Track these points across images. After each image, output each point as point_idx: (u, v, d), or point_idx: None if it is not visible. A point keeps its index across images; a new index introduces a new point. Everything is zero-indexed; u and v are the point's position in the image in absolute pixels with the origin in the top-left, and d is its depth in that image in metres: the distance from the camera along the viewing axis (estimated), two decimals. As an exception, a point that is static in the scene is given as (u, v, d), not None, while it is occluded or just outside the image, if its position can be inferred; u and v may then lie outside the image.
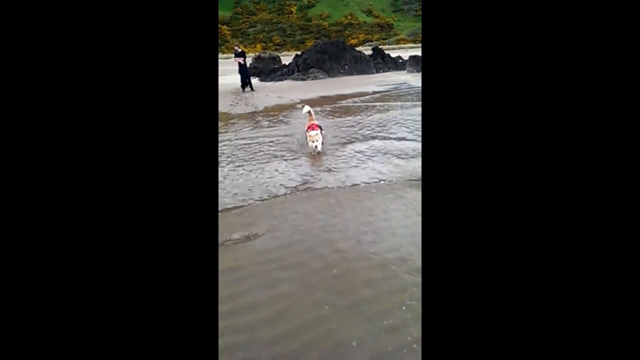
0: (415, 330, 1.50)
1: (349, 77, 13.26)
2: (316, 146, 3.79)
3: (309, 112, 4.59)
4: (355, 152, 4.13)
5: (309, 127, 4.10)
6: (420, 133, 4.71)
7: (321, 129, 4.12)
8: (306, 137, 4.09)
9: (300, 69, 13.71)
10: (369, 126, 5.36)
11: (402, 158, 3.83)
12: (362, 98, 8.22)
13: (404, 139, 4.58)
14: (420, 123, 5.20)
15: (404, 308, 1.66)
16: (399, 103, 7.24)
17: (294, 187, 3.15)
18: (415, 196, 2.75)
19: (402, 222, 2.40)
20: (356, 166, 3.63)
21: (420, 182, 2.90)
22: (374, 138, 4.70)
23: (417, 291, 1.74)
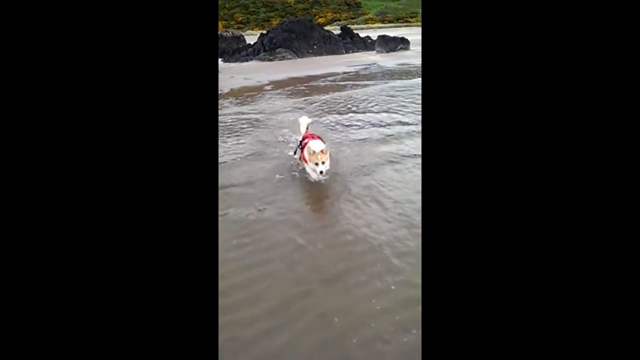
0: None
1: (318, 58, 12.93)
2: (322, 172, 2.38)
3: (307, 126, 3.09)
4: (334, 122, 4.26)
5: (306, 138, 2.72)
6: (395, 107, 4.88)
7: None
8: (297, 153, 2.82)
9: (267, 49, 13.06)
10: (344, 102, 5.38)
11: (378, 126, 4.05)
12: (333, 78, 8.07)
13: (379, 112, 4.69)
14: (393, 99, 5.30)
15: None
16: (370, 82, 7.23)
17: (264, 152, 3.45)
18: (381, 147, 3.44)
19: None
20: (332, 130, 3.85)
21: (390, 138, 3.61)
22: (350, 112, 4.79)
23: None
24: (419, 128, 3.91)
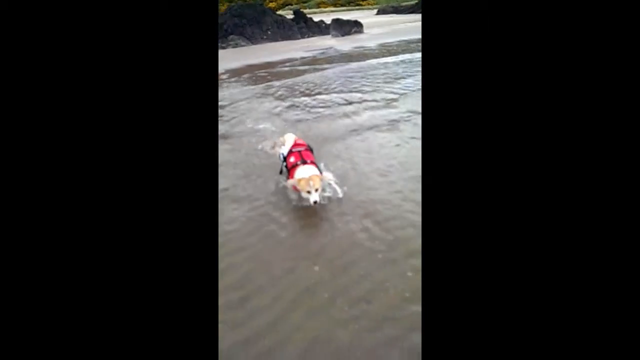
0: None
1: (273, 43, 12.53)
2: (315, 201, 1.96)
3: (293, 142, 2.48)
4: (299, 103, 4.29)
5: (291, 154, 2.22)
6: (356, 86, 5.00)
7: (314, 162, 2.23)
8: (283, 170, 2.30)
9: (218, 36, 12.29)
10: (306, 85, 5.38)
11: (341, 104, 4.16)
12: (291, 64, 7.92)
13: (341, 92, 4.78)
14: (353, 80, 5.39)
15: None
16: (329, 65, 7.23)
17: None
18: (344, 121, 3.69)
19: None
20: (299, 111, 3.86)
21: (352, 113, 3.84)
22: (314, 94, 4.82)
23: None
24: (378, 104, 4.10)
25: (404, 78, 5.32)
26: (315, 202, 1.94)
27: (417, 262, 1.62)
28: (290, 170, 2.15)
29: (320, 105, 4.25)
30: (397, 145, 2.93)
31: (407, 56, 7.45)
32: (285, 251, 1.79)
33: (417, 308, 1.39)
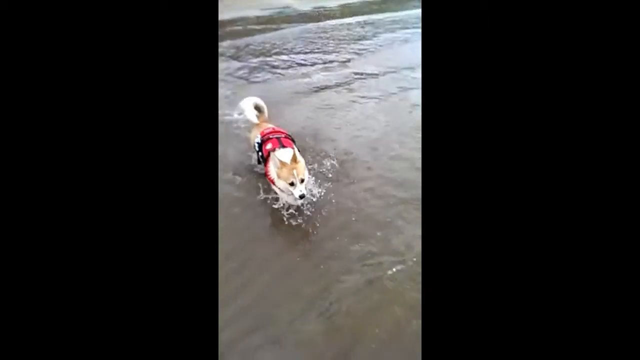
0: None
1: (223, -1, 11.19)
2: (302, 195, 1.54)
3: (259, 108, 2.06)
4: (259, 63, 4.11)
5: (268, 141, 1.76)
6: (316, 47, 4.85)
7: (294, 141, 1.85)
8: (258, 160, 1.90)
9: None
10: (264, 45, 5.05)
11: (302, 65, 4.10)
12: (244, 22, 7.22)
13: (301, 52, 4.60)
14: (314, 41, 5.17)
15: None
16: (288, 25, 6.75)
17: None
18: (306, 80, 3.65)
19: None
20: (259, 70, 3.80)
21: (312, 72, 3.84)
22: (273, 54, 4.56)
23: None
24: (338, 64, 4.08)
25: (365, 39, 5.24)
26: (302, 197, 1.49)
27: (385, 225, 1.71)
28: (265, 154, 1.71)
29: (282, 65, 4.09)
30: (360, 104, 2.99)
31: (368, 17, 7.24)
32: (248, 221, 1.76)
33: (381, 260, 1.51)
